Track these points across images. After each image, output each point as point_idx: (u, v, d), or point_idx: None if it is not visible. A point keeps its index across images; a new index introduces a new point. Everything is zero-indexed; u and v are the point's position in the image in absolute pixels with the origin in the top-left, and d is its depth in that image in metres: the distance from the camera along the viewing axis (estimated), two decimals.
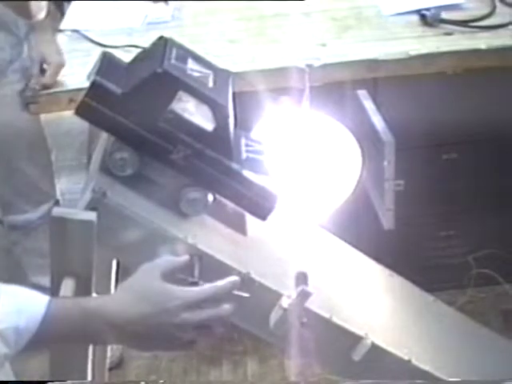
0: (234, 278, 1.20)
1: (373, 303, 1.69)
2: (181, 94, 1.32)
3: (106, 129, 1.36)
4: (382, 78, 2.14)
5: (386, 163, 1.97)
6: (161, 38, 1.41)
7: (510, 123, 2.21)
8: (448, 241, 2.55)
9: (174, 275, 1.18)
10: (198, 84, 1.33)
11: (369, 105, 2.12)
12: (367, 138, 2.07)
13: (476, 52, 2.08)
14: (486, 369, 1.66)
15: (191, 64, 1.36)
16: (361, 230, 2.34)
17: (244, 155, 1.42)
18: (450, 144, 2.40)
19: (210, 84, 1.36)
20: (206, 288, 1.18)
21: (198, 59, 1.40)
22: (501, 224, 2.47)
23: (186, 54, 1.38)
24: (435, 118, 2.26)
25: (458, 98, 2.28)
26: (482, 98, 2.28)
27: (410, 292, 1.83)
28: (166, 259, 1.21)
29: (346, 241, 1.80)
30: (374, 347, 1.44)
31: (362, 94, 2.16)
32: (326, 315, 1.41)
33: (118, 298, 1.16)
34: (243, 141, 1.45)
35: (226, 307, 1.16)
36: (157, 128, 1.31)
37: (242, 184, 1.38)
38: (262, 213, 1.42)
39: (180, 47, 1.39)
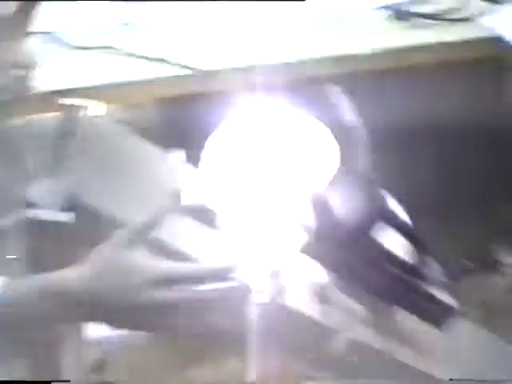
0: (230, 263, 1.07)
1: None
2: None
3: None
4: (354, 73, 2.14)
5: (360, 160, 1.97)
6: None
7: (489, 116, 2.22)
8: (448, 241, 2.55)
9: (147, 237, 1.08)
10: (403, 223, 1.40)
11: (343, 101, 2.11)
12: (342, 135, 2.08)
13: (448, 45, 2.09)
14: (487, 369, 1.65)
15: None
16: None
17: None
18: (429, 140, 2.40)
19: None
20: (184, 265, 1.07)
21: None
22: (503, 225, 2.47)
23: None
24: (411, 113, 2.27)
25: (432, 91, 2.29)
26: (456, 91, 2.29)
27: None
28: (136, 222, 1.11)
29: None
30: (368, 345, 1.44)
31: (336, 89, 2.15)
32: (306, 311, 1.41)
33: (79, 272, 1.08)
34: None
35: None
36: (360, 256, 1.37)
37: (425, 299, 1.42)
38: (438, 323, 1.47)
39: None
